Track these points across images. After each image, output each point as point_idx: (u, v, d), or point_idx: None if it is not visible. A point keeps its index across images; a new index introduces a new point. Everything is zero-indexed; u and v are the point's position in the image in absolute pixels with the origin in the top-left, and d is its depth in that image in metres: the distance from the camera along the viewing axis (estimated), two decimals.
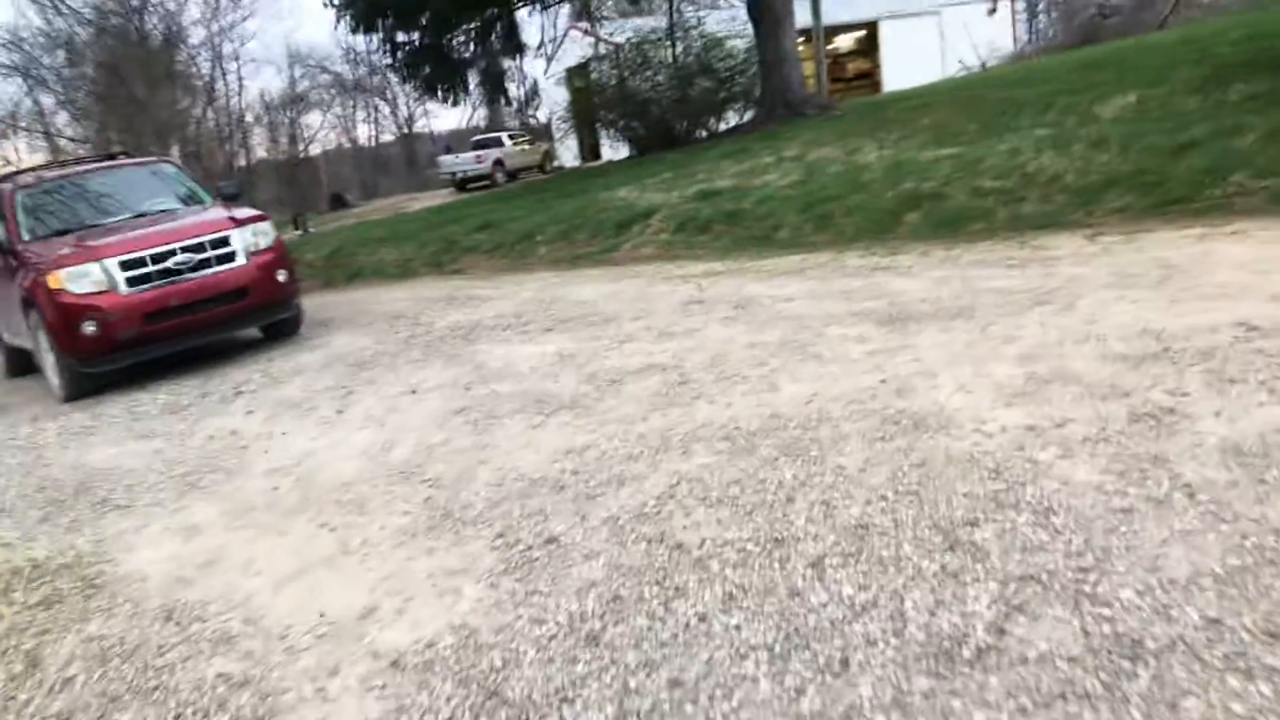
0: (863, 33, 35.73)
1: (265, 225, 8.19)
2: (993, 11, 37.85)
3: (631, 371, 5.55)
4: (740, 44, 20.38)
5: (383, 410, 5.69)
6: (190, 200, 9.06)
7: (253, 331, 8.79)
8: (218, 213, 8.07)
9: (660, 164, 16.71)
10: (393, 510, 4.09)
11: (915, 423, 4.00)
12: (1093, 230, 7.19)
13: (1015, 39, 45.49)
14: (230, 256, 7.74)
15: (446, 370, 6.35)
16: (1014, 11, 42.38)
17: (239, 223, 7.89)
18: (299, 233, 24.10)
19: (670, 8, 19.93)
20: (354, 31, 18.35)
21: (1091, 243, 6.83)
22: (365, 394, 6.13)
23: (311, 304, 10.98)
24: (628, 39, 20.46)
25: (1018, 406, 3.98)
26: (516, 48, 18.68)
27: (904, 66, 32.87)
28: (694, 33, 20.01)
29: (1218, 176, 7.37)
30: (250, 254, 7.83)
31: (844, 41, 36.94)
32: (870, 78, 35.47)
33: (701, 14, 20.49)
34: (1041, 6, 53.11)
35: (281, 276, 8.03)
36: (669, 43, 20.07)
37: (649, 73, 20.07)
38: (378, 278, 13.69)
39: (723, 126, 20.52)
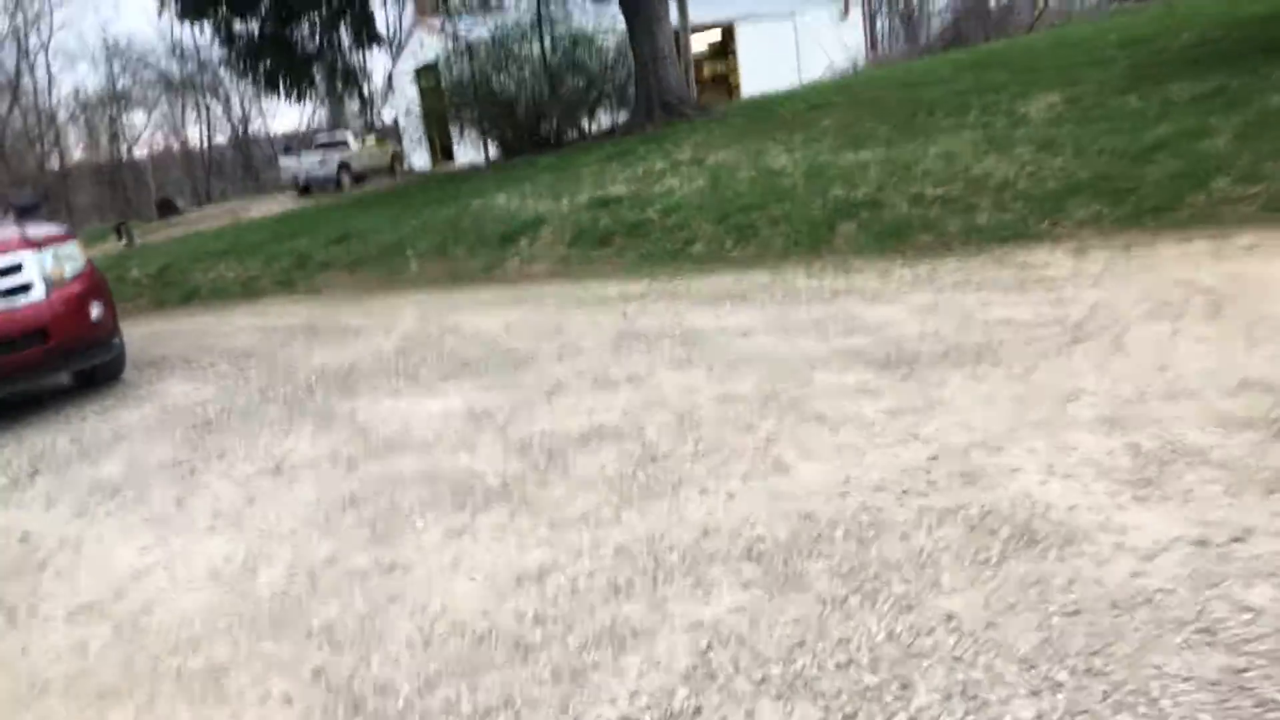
0: (717, 36, 35.17)
1: (71, 247, 6.44)
2: (845, 15, 38.11)
3: (575, 439, 4.25)
4: (612, 41, 19.23)
5: (239, 500, 4.21)
6: None
7: (62, 376, 7.02)
8: (6, 232, 6.27)
9: (533, 168, 15.37)
10: (268, 697, 2.69)
11: (1018, 531, 2.87)
12: (1075, 244, 6.31)
13: (870, 43, 46.12)
14: (24, 288, 5.99)
15: (321, 436, 4.89)
16: (865, 16, 42.93)
17: (35, 244, 6.13)
18: (123, 244, 21.55)
19: (538, 3, 18.55)
20: (182, 19, 16.27)
21: (1081, 259, 5.93)
22: (213, 473, 4.62)
23: (139, 334, 9.18)
24: (491, 33, 18.96)
25: (1153, 504, 2.90)
26: (370, 38, 16.95)
27: (760, 71, 32.57)
28: (561, 28, 18.69)
29: (1196, 182, 6.62)
30: (52, 284, 6.10)
31: (698, 44, 36.34)
32: (726, 82, 34.92)
33: (568, 8, 19.16)
34: (884, 12, 54.31)
35: (95, 311, 6.31)
36: (535, 38, 18.69)
37: (514, 68, 18.64)
38: (218, 299, 11.85)
39: (594, 128, 19.32)
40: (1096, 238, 6.41)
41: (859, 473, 3.46)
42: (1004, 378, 4.16)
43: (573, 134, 18.68)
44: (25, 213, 7.27)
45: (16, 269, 5.98)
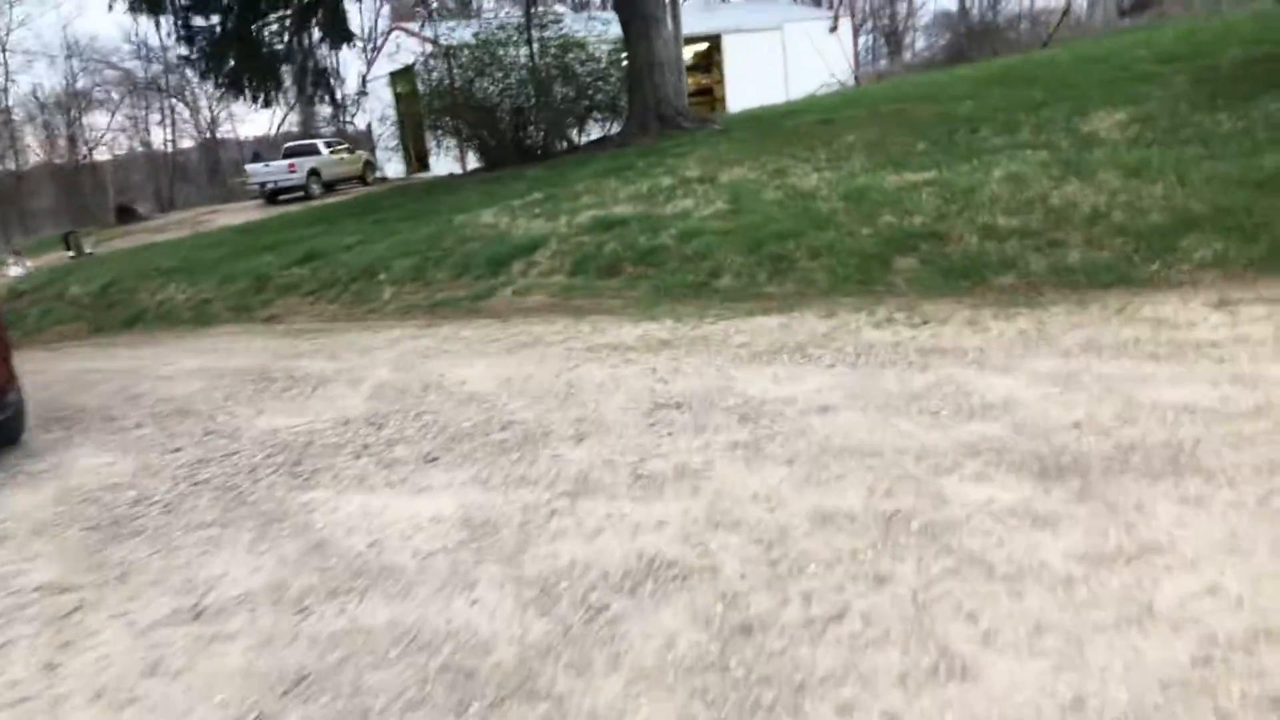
0: (704, 46, 34.07)
1: None
2: (834, 29, 37.27)
3: (621, 582, 2.98)
4: (605, 47, 18.00)
5: (134, 672, 2.89)
6: None
7: None
8: None
9: (520, 181, 14.09)
10: None
11: None
12: (1212, 294, 5.10)
13: (861, 57, 45.33)
14: None
15: (261, 555, 3.58)
16: (855, 30, 42.15)
17: None
18: (70, 255, 20.02)
19: (527, 4, 17.24)
20: (135, 12, 14.82)
21: (1233, 315, 4.73)
22: (106, 612, 3.29)
23: (60, 373, 7.82)
24: (476, 35, 17.63)
25: None
26: (343, 36, 15.59)
27: (747, 83, 31.60)
28: (552, 30, 17.42)
29: None
30: None
31: (683, 55, 35.24)
32: (711, 94, 33.80)
33: (559, 9, 17.90)
34: (868, 27, 53.62)
35: None
36: (523, 40, 17.41)
37: (499, 74, 17.33)
38: (165, 326, 10.49)
39: (584, 139, 18.06)
40: (1232, 285, 5.21)
41: (1091, 686, 2.20)
42: (1231, 503, 2.93)
43: (561, 145, 17.41)
44: None
45: None
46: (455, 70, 17.86)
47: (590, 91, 17.60)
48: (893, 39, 56.17)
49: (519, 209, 10.97)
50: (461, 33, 19.18)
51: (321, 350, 7.18)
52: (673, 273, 7.58)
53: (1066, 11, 20.57)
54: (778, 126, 14.30)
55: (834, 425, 4.01)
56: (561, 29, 17.64)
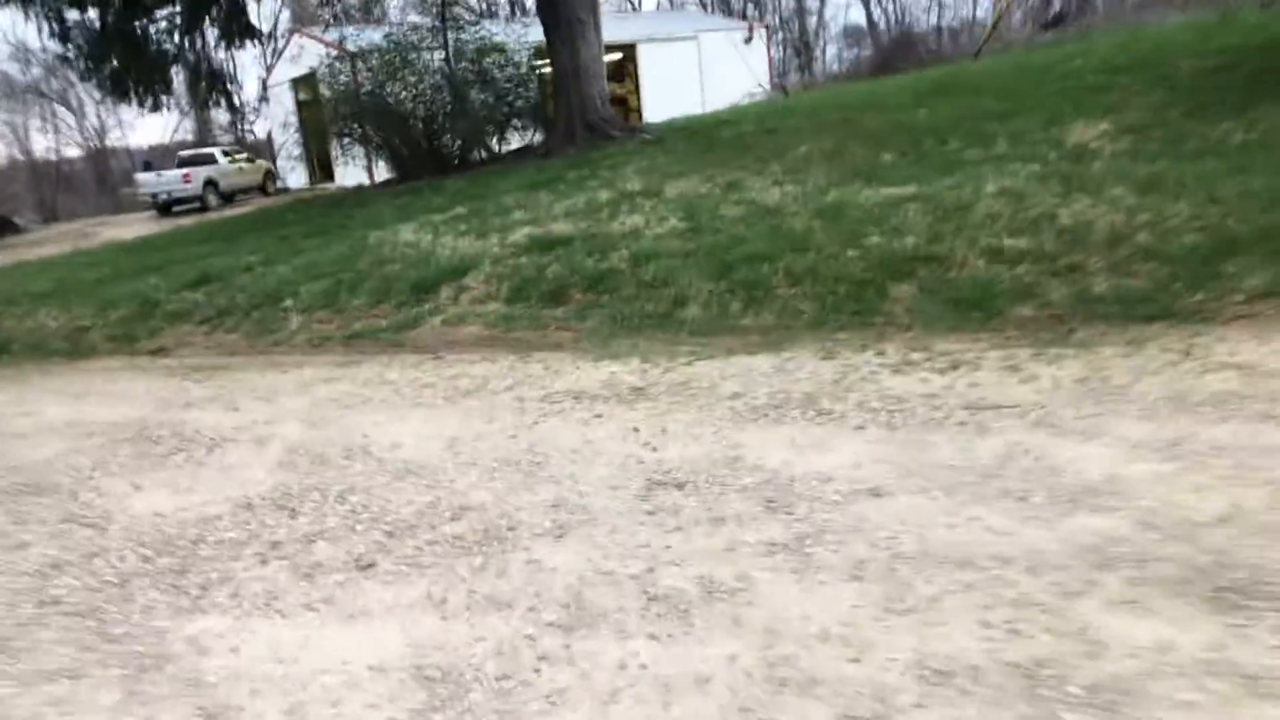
0: (618, 56, 33.30)
1: None
2: (749, 40, 36.98)
3: None
4: (525, 53, 16.99)
5: None
6: None
7: None
8: None
9: (439, 194, 13.01)
10: None
11: None
12: None
13: (781, 68, 45.18)
14: None
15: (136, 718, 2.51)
16: (769, 41, 41.99)
17: None
18: None
19: (441, 5, 16.11)
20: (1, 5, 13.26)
21: None
22: None
23: None
24: (387, 37, 16.41)
25: None
26: (244, 33, 14.22)
27: (662, 93, 31.02)
28: (469, 33, 16.32)
29: None
30: None
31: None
32: (625, 104, 33.03)
33: (473, 13, 16.81)
34: (778, 40, 53.60)
35: None
36: (438, 44, 16.28)
37: (412, 79, 16.16)
38: (32, 359, 9.08)
39: (502, 149, 17.02)
40: None
41: None
42: None
43: (480, 155, 16.33)
44: None
45: None
46: (365, 74, 16.62)
47: (510, 98, 16.58)
48: (803, 51, 56.31)
49: (442, 225, 9.90)
50: (370, 35, 17.95)
51: (218, 396, 6.01)
52: (629, 301, 6.62)
53: (997, 23, 20.30)
54: (714, 137, 13.51)
55: (896, 517, 3.11)
56: (479, 31, 16.57)
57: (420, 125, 16.08)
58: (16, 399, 6.94)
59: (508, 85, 16.55)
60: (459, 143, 16.23)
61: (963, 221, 6.37)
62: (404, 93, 16.28)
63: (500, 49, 16.52)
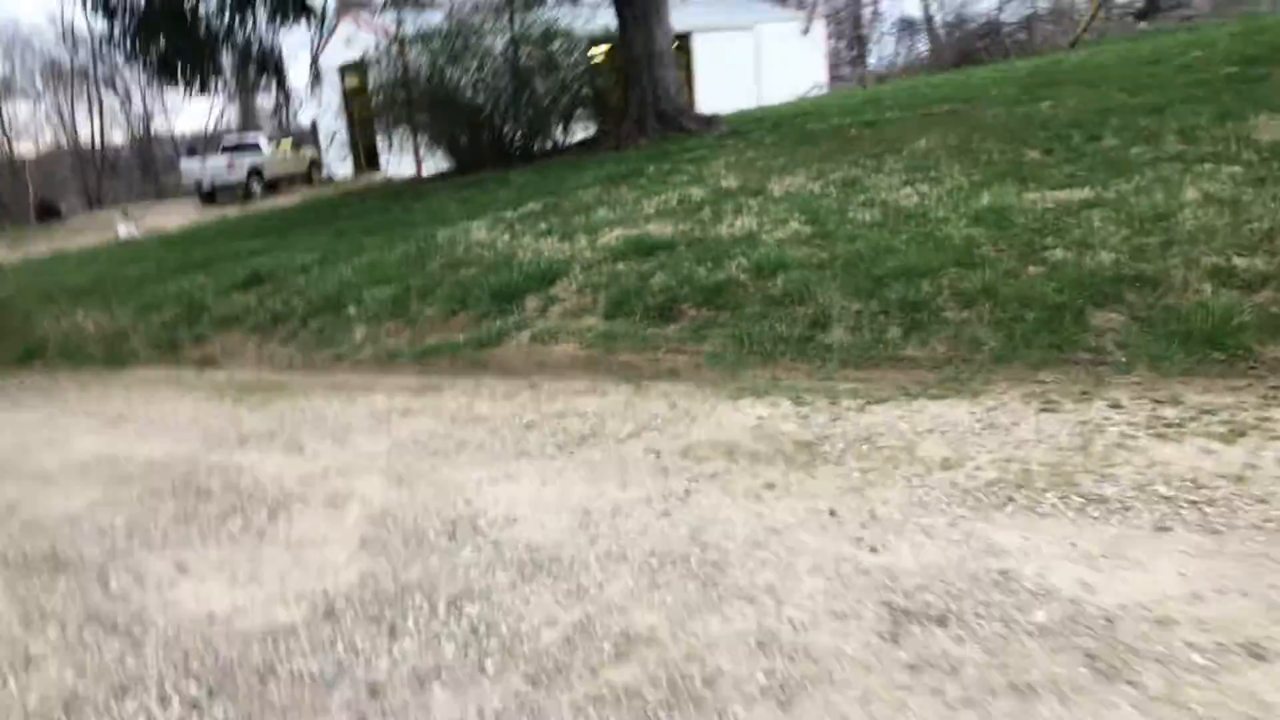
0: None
1: None
2: (807, 31, 35.79)
3: None
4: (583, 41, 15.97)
5: None
6: None
7: None
8: None
9: (505, 187, 12.05)
10: None
11: None
12: None
13: (839, 59, 43.94)
14: None
15: None
16: (827, 32, 40.74)
17: None
18: None
19: None
20: None
21: None
22: None
23: None
24: (449, 18, 15.47)
25: None
26: (299, 10, 13.31)
27: (716, 84, 29.82)
28: (535, 15, 15.31)
29: None
30: None
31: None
32: None
33: None
34: (831, 30, 52.18)
35: None
36: (499, 28, 15.29)
37: (474, 64, 15.19)
38: (67, 365, 8.26)
39: (566, 140, 16.02)
40: None
41: None
42: None
43: (545, 146, 15.34)
44: None
45: None
46: (424, 58, 15.67)
47: (576, 86, 15.57)
48: (857, 43, 54.83)
49: (517, 223, 8.93)
50: (426, 18, 17.01)
51: (277, 431, 5.05)
52: (756, 319, 5.58)
53: (1096, 12, 19.01)
54: (802, 129, 12.44)
55: None
56: (545, 14, 15.57)
57: (482, 114, 15.10)
58: (46, 421, 6.04)
59: (574, 72, 15.55)
60: (520, 133, 15.24)
61: (1169, 234, 5.26)
62: (465, 79, 15.32)
63: (567, 34, 15.51)
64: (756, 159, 10.23)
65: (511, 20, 14.75)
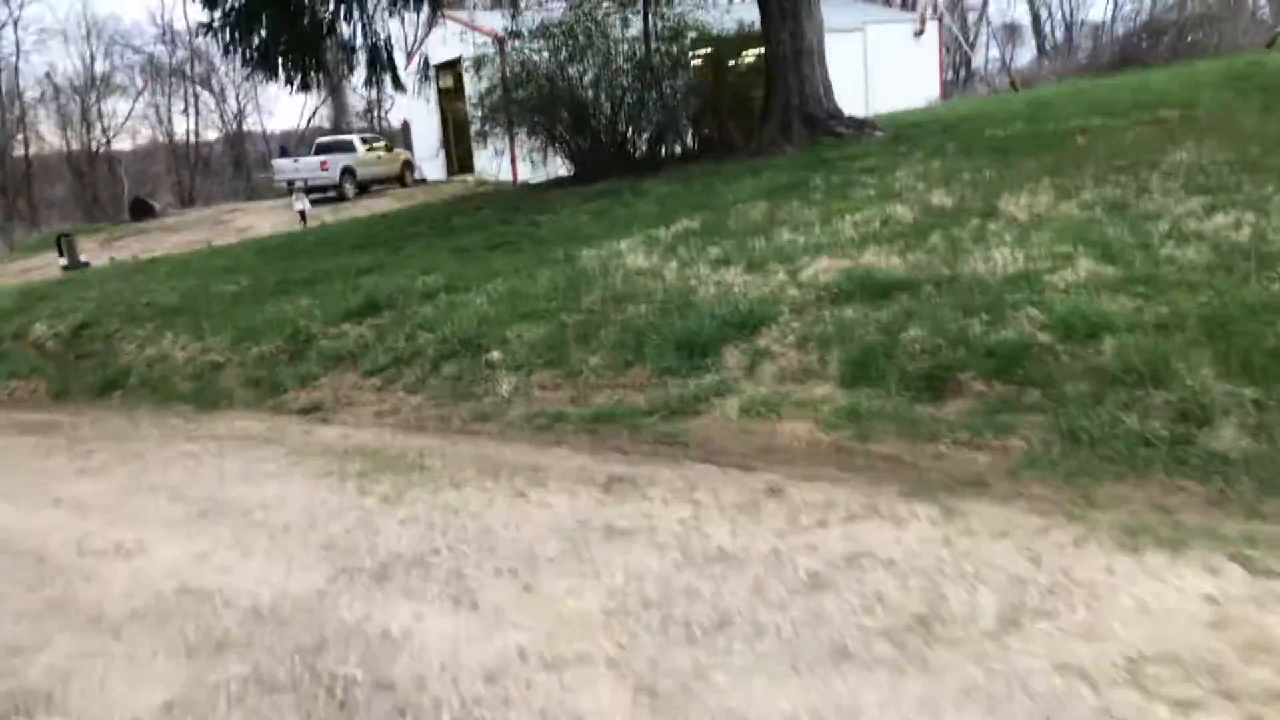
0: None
1: None
2: (920, 33, 33.85)
3: None
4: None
5: None
6: None
7: None
8: None
9: (641, 198, 10.58)
10: None
11: None
12: None
13: (955, 63, 41.90)
14: None
15: None
16: (941, 34, 38.63)
17: None
18: (63, 263, 16.54)
19: None
20: None
21: None
22: None
23: None
24: (573, 8, 14.05)
25: None
26: None
27: None
28: (667, 9, 13.80)
29: None
30: None
31: (750, 55, 31.76)
32: None
33: None
34: (957, 32, 49.94)
35: None
36: (624, 26, 13.83)
37: (598, 61, 13.76)
38: (151, 400, 7.00)
39: (695, 145, 14.50)
40: None
41: None
42: None
43: (675, 151, 13.84)
44: None
45: None
46: (541, 56, 14.28)
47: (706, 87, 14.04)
48: (956, 49, 52.63)
49: (678, 246, 7.40)
50: (543, 13, 15.64)
51: (429, 556, 3.57)
52: (1087, 404, 3.95)
53: None
54: (977, 136, 10.75)
55: None
56: (679, 8, 14.06)
57: (605, 116, 13.64)
58: (116, 502, 4.67)
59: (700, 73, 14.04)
60: (648, 138, 13.75)
61: None
62: (585, 77, 13.89)
63: (700, 30, 14.00)
64: (951, 170, 8.58)
65: (646, 13, 13.27)
